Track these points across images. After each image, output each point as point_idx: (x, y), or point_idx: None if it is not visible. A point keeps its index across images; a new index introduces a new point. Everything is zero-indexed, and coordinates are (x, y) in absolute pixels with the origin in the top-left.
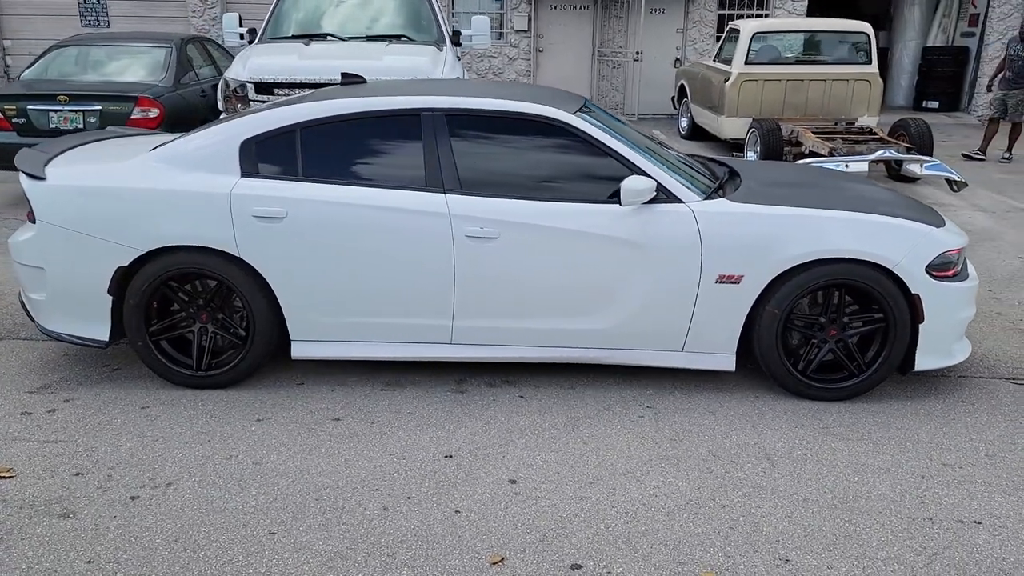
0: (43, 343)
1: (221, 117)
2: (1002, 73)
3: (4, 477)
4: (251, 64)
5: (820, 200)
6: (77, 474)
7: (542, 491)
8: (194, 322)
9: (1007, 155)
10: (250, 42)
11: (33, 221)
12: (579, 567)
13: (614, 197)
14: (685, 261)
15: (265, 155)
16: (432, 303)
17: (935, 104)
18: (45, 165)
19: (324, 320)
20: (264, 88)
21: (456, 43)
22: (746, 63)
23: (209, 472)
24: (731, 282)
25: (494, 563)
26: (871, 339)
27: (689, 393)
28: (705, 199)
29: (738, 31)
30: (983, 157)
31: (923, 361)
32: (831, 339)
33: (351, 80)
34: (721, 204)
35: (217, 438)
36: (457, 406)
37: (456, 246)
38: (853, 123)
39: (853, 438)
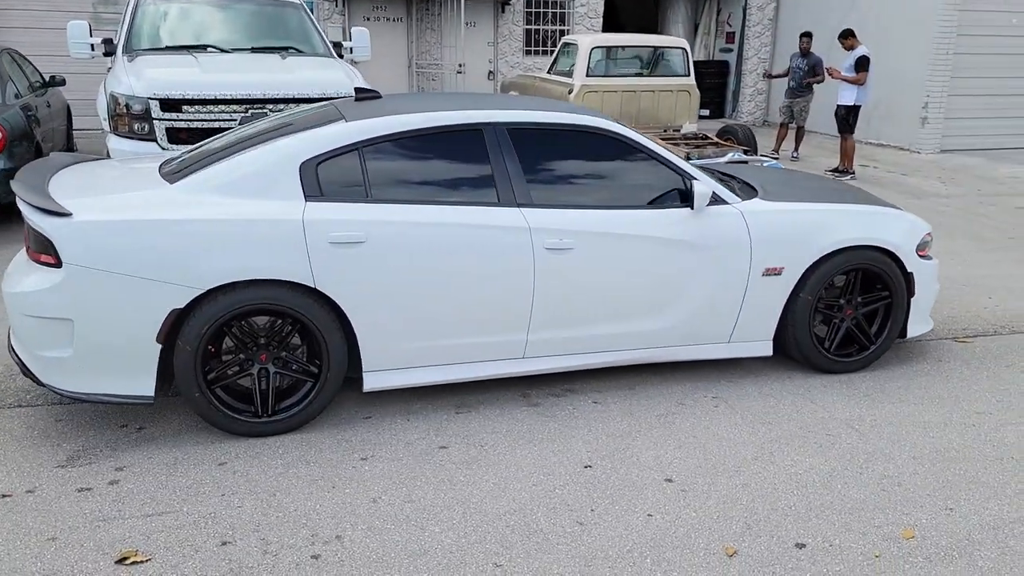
0: (27, 409)
1: (201, 146)
2: (783, 77)
3: (140, 562)
4: (149, 79)
5: (827, 196)
6: (224, 544)
7: (701, 485)
8: (252, 364)
9: (795, 154)
10: (105, 54)
11: (56, 265)
12: (803, 545)
13: (674, 202)
14: (738, 258)
15: (328, 177)
16: (509, 318)
17: (706, 112)
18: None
19: (400, 348)
20: (171, 105)
21: (339, 55)
22: (587, 75)
23: (367, 517)
24: (775, 274)
25: (731, 555)
26: (874, 315)
27: (735, 381)
28: (743, 200)
29: (575, 45)
30: (777, 157)
31: (913, 329)
32: (848, 318)
33: (367, 95)
34: (759, 204)
35: (338, 483)
36: (545, 419)
37: (536, 259)
38: (679, 130)
39: (895, 400)
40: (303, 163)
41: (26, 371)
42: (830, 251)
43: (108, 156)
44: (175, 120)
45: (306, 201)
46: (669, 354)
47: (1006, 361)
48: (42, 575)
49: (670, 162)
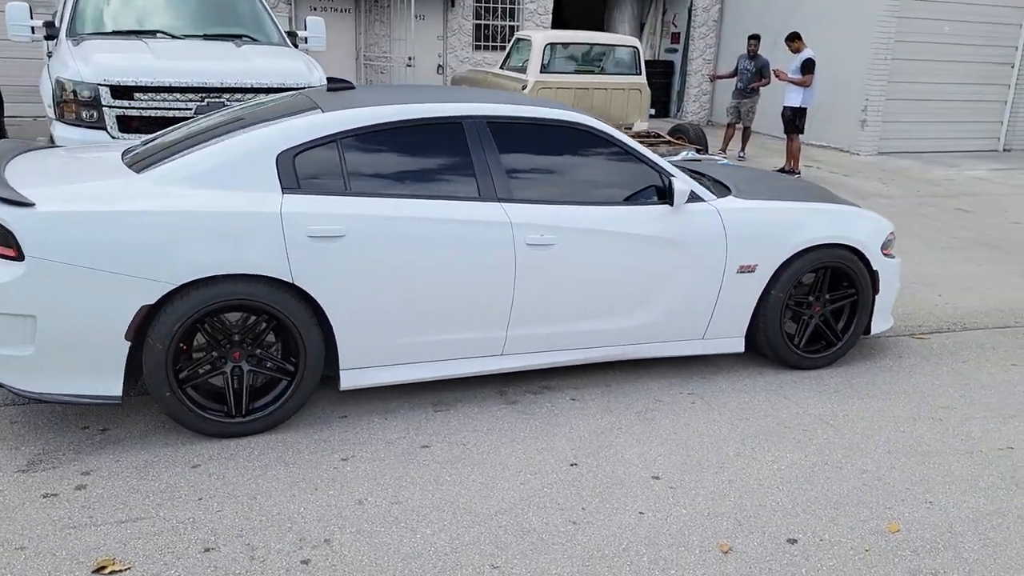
0: None
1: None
2: (730, 77)
3: (119, 571)
4: (98, 64)
5: (796, 194)
6: (207, 550)
7: (689, 481)
8: (225, 362)
9: (741, 154)
10: (47, 38)
11: (17, 258)
12: (795, 540)
13: (652, 199)
14: (714, 255)
15: (305, 169)
16: (490, 314)
17: (653, 111)
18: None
19: (378, 345)
20: (123, 92)
21: (294, 44)
22: (541, 72)
23: (354, 520)
24: (749, 271)
25: (725, 552)
26: (840, 313)
27: (708, 378)
28: (718, 198)
29: (528, 41)
30: (725, 156)
31: (876, 326)
32: (816, 315)
33: (340, 86)
34: (733, 201)
35: (321, 485)
36: (526, 417)
37: (517, 255)
38: (630, 127)
39: (864, 396)
40: (280, 154)
41: None
42: (801, 248)
43: (53, 144)
44: (127, 108)
45: (283, 193)
46: (646, 351)
47: (963, 357)
48: None
49: (648, 159)
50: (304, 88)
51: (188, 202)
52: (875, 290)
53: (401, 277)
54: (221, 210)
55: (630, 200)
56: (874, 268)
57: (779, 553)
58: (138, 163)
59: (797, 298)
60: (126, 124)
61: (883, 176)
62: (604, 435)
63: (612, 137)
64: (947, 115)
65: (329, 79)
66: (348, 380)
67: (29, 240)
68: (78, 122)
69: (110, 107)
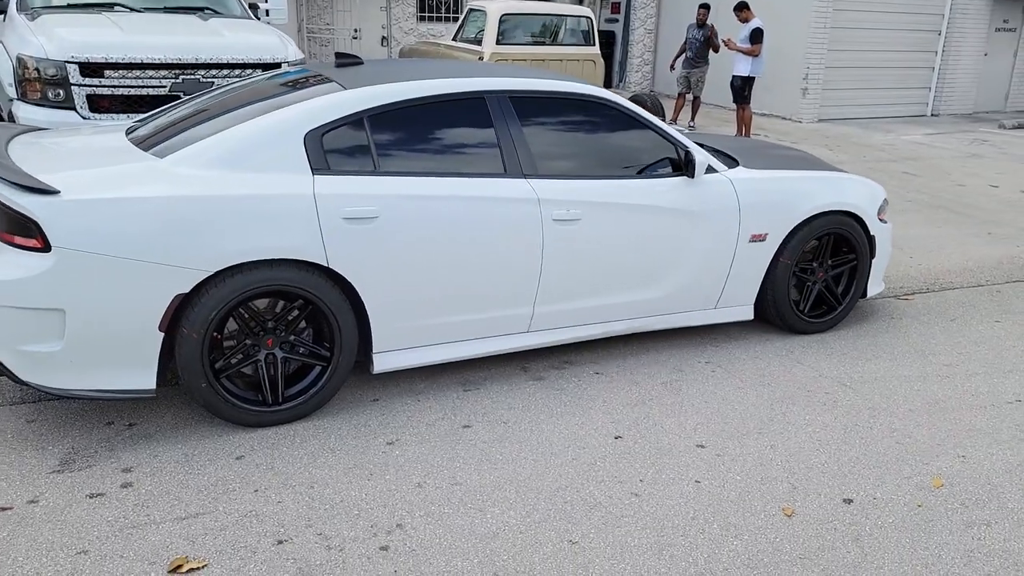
0: (4, 408)
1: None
2: (683, 54)
3: (196, 569)
4: (63, 40)
5: (795, 163)
6: (280, 543)
7: (733, 448)
8: (259, 350)
9: (691, 124)
10: None
11: (43, 249)
12: (850, 500)
13: (669, 171)
14: (729, 225)
15: (334, 148)
16: (518, 292)
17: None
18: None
19: (410, 326)
20: (93, 70)
21: (256, 17)
22: (497, 43)
23: (419, 504)
24: (760, 240)
25: (789, 515)
26: (839, 278)
27: (720, 346)
28: (729, 169)
29: (482, 12)
30: (677, 126)
31: (871, 290)
32: (819, 281)
33: (348, 61)
34: (743, 172)
35: (374, 470)
36: (556, 392)
37: (545, 231)
38: None
39: (870, 357)
40: (308, 133)
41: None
42: (808, 216)
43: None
44: (97, 86)
45: (313, 174)
46: (663, 322)
47: (949, 315)
48: None
49: (664, 131)
50: (280, 63)
51: (219, 186)
52: (872, 254)
53: (433, 257)
54: (254, 193)
55: (647, 173)
56: (871, 233)
57: (839, 513)
58: (148, 144)
59: (802, 265)
60: (97, 104)
61: (828, 143)
62: (638, 407)
63: (628, 110)
64: (881, 82)
65: (337, 54)
66: (381, 363)
67: (56, 230)
68: (43, 102)
69: (79, 86)
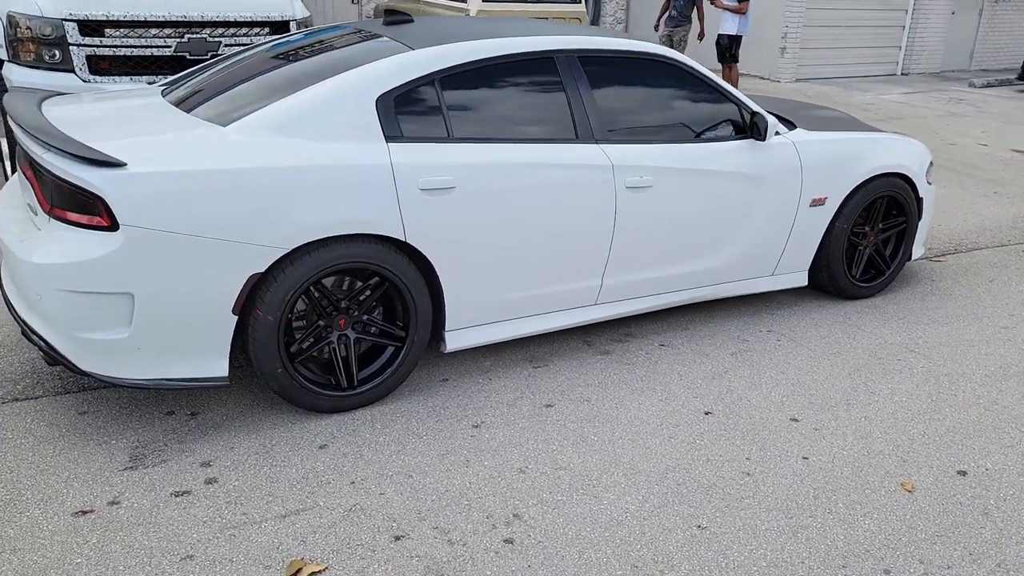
0: (29, 403)
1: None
2: (667, 12)
3: (317, 572)
4: None
5: (845, 124)
6: (398, 538)
7: (827, 422)
8: (332, 331)
9: None
10: None
11: (110, 228)
12: (964, 472)
13: (734, 134)
14: (791, 189)
15: (406, 113)
16: (588, 263)
17: None
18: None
19: (482, 303)
20: (93, 28)
21: None
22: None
23: (530, 491)
24: (820, 204)
25: (909, 490)
26: (887, 241)
27: (776, 313)
28: (789, 131)
29: None
30: None
31: (916, 252)
32: (870, 244)
33: (398, 19)
34: (804, 134)
35: (469, 456)
36: (627, 367)
37: (618, 199)
38: None
39: (926, 322)
40: (379, 97)
41: (54, 358)
42: (865, 179)
43: (5, 89)
44: (98, 46)
45: (387, 142)
46: (724, 291)
47: (987, 276)
48: None
49: (730, 93)
50: (288, 22)
51: (295, 156)
52: (919, 216)
53: (508, 230)
54: (333, 164)
55: (712, 136)
56: (920, 195)
57: (957, 486)
58: (195, 109)
59: (854, 229)
60: (96, 65)
61: (783, 105)
62: (716, 380)
63: (696, 71)
64: (855, 41)
65: (386, 11)
66: (453, 342)
67: (124, 207)
68: (38, 64)
69: (78, 46)
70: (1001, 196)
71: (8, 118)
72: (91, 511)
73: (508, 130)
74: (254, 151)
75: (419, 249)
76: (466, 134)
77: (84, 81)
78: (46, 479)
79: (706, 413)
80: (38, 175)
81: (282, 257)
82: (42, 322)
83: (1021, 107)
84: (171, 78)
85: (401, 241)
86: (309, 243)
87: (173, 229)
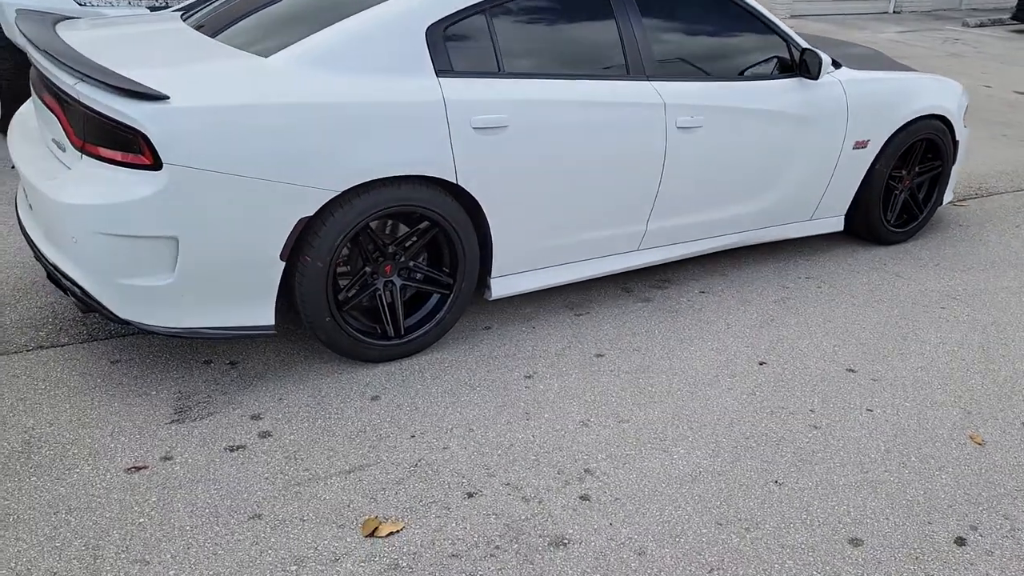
0: (56, 351)
1: None
2: None
3: (395, 532)
4: None
5: (886, 64)
6: (471, 495)
7: (884, 372)
8: (377, 278)
9: None
10: None
11: (153, 167)
12: None
13: (780, 72)
14: (837, 130)
15: (456, 45)
16: (635, 207)
17: None
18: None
19: (528, 249)
20: None
21: None
22: None
23: (597, 445)
24: (862, 147)
25: (979, 443)
26: (920, 186)
27: (812, 259)
28: (836, 70)
29: None
30: None
31: (946, 197)
32: (905, 189)
33: None
34: (849, 72)
35: (529, 409)
36: (671, 315)
37: (669, 139)
38: None
39: (962, 268)
40: (430, 27)
41: (89, 305)
42: (907, 121)
43: None
44: None
45: (438, 76)
46: (764, 235)
47: (1012, 222)
48: (292, 562)
49: (778, 28)
50: None
51: (347, 91)
52: (954, 160)
53: (558, 172)
54: (385, 100)
55: (759, 74)
56: (956, 138)
57: None
58: (225, 36)
59: (892, 173)
60: None
61: (813, 42)
62: (764, 328)
63: (746, 4)
64: None
65: None
66: (498, 288)
67: (167, 144)
68: None
69: None
70: (1011, 139)
71: (27, 43)
72: (144, 467)
73: (559, 65)
74: (304, 85)
75: (469, 191)
76: (517, 68)
77: (80, 4)
78: (90, 433)
79: (760, 363)
80: (64, 107)
81: (332, 200)
82: (76, 267)
83: (1018, 48)
84: (189, 1)
85: (451, 183)
86: (359, 185)
87: (220, 168)
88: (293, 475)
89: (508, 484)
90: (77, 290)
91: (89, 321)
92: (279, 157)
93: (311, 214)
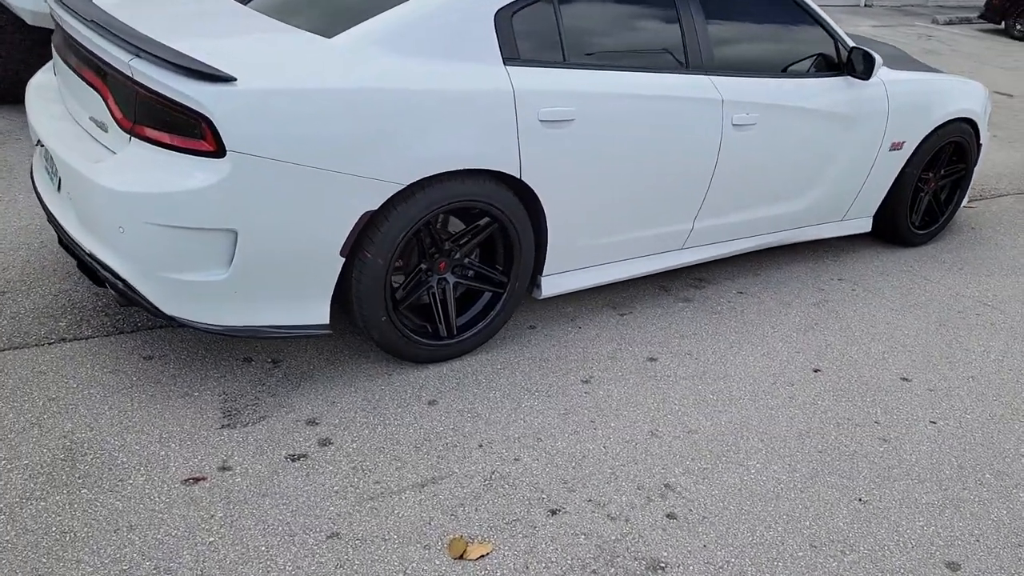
0: (78, 344)
1: None
2: None
3: (485, 554)
4: None
5: (917, 65)
6: (554, 512)
7: (937, 382)
8: (432, 275)
9: None
10: None
11: (216, 154)
12: None
13: (826, 71)
14: (876, 130)
15: (523, 32)
16: (685, 206)
17: None
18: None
19: (581, 246)
20: None
21: None
22: None
23: (672, 458)
24: (898, 148)
25: None
26: (942, 188)
27: (840, 260)
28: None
29: None
30: None
31: (965, 199)
32: (930, 191)
33: None
34: (890, 72)
35: (595, 417)
36: (713, 316)
37: (723, 137)
38: None
39: (985, 273)
40: (499, 11)
41: (131, 299)
42: (940, 123)
43: None
44: None
45: (505, 65)
46: (798, 235)
47: (1023, 224)
48: None
49: (829, 26)
50: None
51: (417, 78)
52: (976, 163)
53: (618, 167)
54: (456, 88)
55: (809, 71)
56: (980, 141)
57: None
58: (278, 13)
59: (920, 175)
60: None
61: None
62: (809, 333)
63: (800, 0)
64: None
65: None
66: (548, 287)
67: (233, 130)
68: None
69: None
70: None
71: (70, 12)
72: (203, 478)
73: (621, 56)
74: (372, 69)
75: (531, 187)
76: (581, 59)
77: None
78: (136, 438)
79: (815, 370)
80: (110, 84)
81: (396, 194)
82: (119, 259)
83: (989, 47)
84: None
85: (515, 178)
86: (424, 179)
87: (286, 157)
88: (364, 488)
89: (590, 500)
90: (119, 283)
91: (111, 311)
92: (346, 146)
93: (375, 208)
